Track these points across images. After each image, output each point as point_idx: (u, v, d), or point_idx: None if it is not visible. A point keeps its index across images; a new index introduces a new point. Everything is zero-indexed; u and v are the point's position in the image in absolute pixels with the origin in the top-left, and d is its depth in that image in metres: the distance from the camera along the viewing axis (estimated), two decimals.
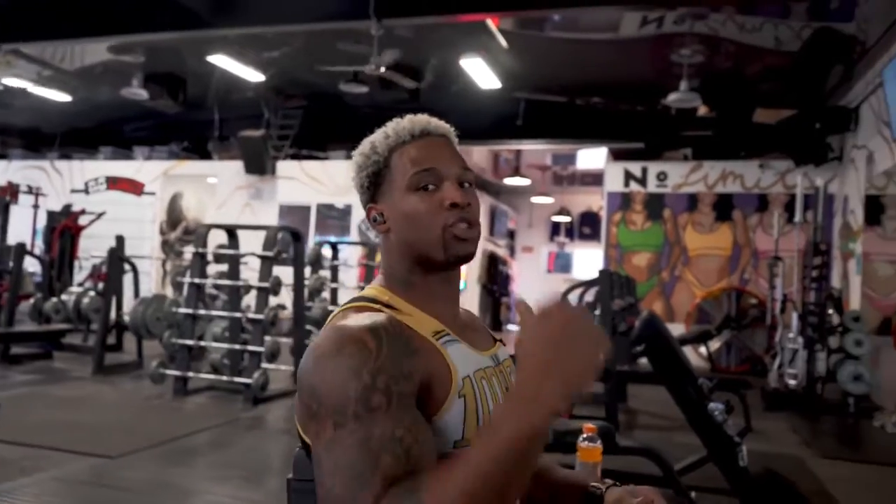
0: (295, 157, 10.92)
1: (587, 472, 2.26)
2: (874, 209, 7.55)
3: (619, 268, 9.10)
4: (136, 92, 9.12)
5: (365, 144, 1.05)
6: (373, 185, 1.03)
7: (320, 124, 10.77)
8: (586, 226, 14.60)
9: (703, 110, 8.97)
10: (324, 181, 10.58)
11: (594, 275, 14.40)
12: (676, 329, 8.36)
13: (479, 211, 1.03)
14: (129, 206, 11.29)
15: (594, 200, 14.39)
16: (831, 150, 8.04)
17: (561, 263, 15.26)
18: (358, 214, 10.42)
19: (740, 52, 7.63)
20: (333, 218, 10.75)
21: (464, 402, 0.93)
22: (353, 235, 10.35)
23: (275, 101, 10.52)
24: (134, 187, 11.48)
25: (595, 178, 13.61)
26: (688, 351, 8.32)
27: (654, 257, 9.04)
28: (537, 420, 0.75)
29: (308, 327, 6.10)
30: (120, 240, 7.20)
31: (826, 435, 5.29)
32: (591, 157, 13.62)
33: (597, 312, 6.92)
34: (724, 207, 8.84)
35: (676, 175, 9.05)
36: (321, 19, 6.75)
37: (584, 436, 2.26)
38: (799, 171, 8.36)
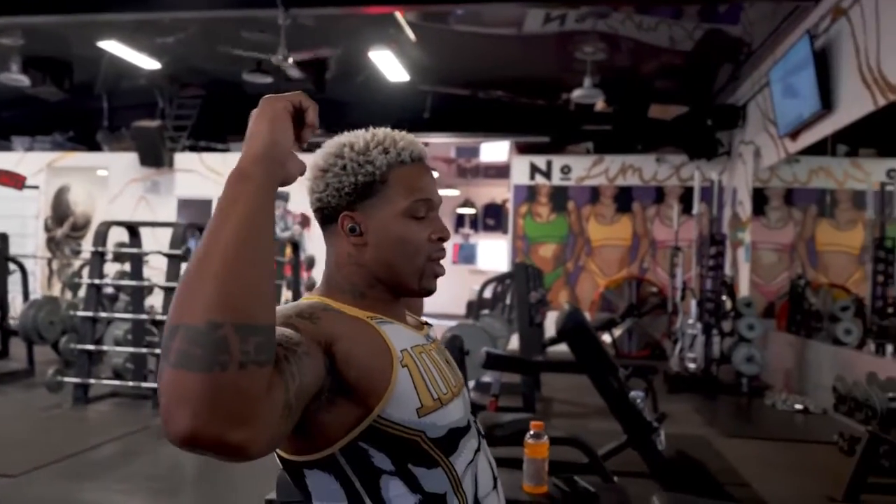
0: (193, 148, 10.46)
1: (536, 468, 2.31)
2: (759, 201, 8.13)
3: (528, 259, 9.31)
4: (15, 77, 8.43)
5: (352, 147, 1.01)
6: (356, 193, 1.00)
7: (220, 115, 10.36)
8: (490, 217, 14.84)
9: (600, 105, 9.29)
10: (225, 174, 10.15)
11: (502, 267, 14.64)
12: None
13: None
14: (9, 201, 10.45)
15: (498, 192, 14.63)
16: (721, 145, 8.55)
17: (465, 254, 15.44)
18: None
19: (638, 51, 7.95)
20: None
21: (408, 371, 0.94)
22: None
23: (170, 89, 10.04)
24: (14, 180, 10.58)
25: (499, 171, 13.86)
26: None
27: (560, 248, 9.31)
28: (241, 163, 0.78)
29: None
30: (4, 238, 6.66)
31: (725, 415, 5.65)
32: (495, 150, 13.84)
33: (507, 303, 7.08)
34: (624, 199, 9.22)
35: (579, 168, 9.35)
36: (225, 6, 6.49)
37: (531, 432, 2.31)
38: (692, 165, 8.85)
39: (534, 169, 9.47)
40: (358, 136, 1.03)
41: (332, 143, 1.03)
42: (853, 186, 8.24)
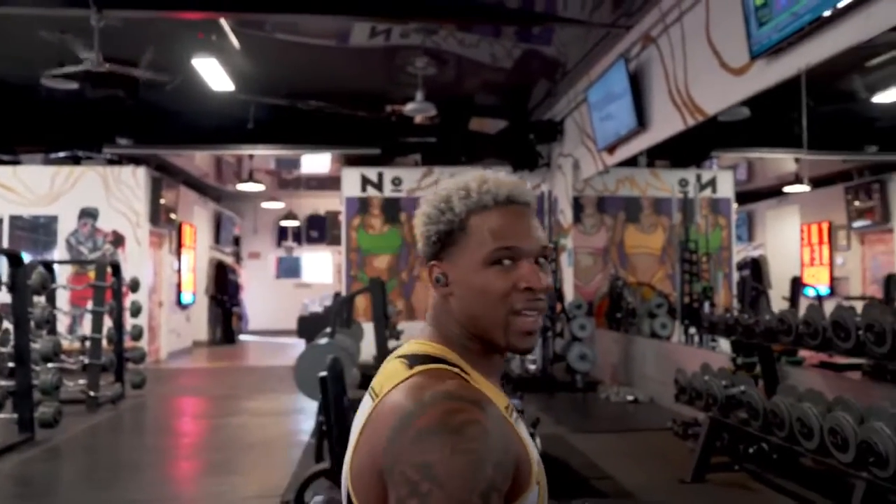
0: None
1: None
2: (575, 208, 8.80)
3: (360, 272, 9.27)
4: None
5: (438, 194, 0.99)
6: (440, 242, 0.97)
7: (7, 123, 9.16)
8: (314, 229, 14.59)
9: (419, 118, 9.50)
10: (17, 189, 9.04)
11: (328, 280, 14.36)
12: (417, 328, 8.77)
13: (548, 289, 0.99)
14: None
15: (321, 204, 14.43)
16: (542, 158, 9.12)
17: (289, 268, 15.04)
18: (66, 227, 9.09)
19: (461, 66, 8.26)
20: (27, 230, 9.23)
21: (538, 490, 0.90)
22: (60, 251, 9.02)
23: None
24: None
25: (321, 182, 13.67)
26: None
27: (394, 259, 9.39)
28: None
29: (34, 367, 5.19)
30: None
31: (569, 411, 6.02)
32: (317, 162, 13.63)
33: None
34: None
35: (410, 180, 9.50)
36: (28, 4, 5.79)
37: None
38: (516, 177, 9.35)
39: (365, 181, 9.46)
40: (445, 184, 1.00)
41: (426, 196, 1.03)
42: (653, 194, 9.20)
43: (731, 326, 3.74)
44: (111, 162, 9.38)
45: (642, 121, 5.99)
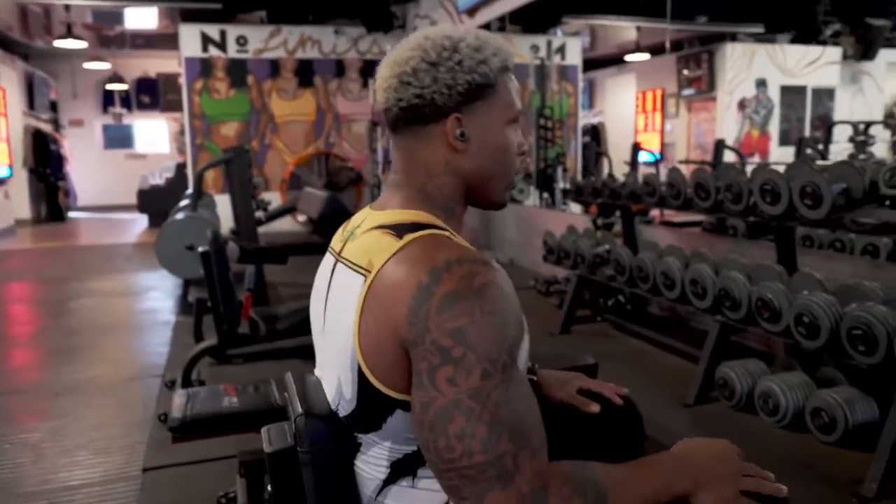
0: None
1: None
2: None
3: (207, 140, 8.69)
4: None
5: (465, 43, 0.92)
6: (468, 94, 0.92)
7: None
8: (144, 94, 13.28)
9: None
10: None
11: (164, 150, 13.47)
12: (273, 198, 8.49)
13: None
14: None
15: (152, 65, 13.11)
16: (397, 19, 8.78)
17: (119, 137, 13.74)
18: None
19: None
20: None
21: (527, 337, 0.93)
22: None
23: None
24: None
25: (149, 40, 12.34)
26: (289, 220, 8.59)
27: (243, 126, 8.84)
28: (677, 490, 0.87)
29: None
30: None
31: None
32: (142, 16, 12.21)
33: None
34: (305, 73, 9.01)
35: (257, 40, 8.80)
36: None
37: None
38: (370, 38, 8.98)
39: (206, 40, 8.64)
40: (465, 33, 0.93)
41: (436, 35, 0.92)
42: None
43: (599, 190, 3.98)
44: None
45: None
